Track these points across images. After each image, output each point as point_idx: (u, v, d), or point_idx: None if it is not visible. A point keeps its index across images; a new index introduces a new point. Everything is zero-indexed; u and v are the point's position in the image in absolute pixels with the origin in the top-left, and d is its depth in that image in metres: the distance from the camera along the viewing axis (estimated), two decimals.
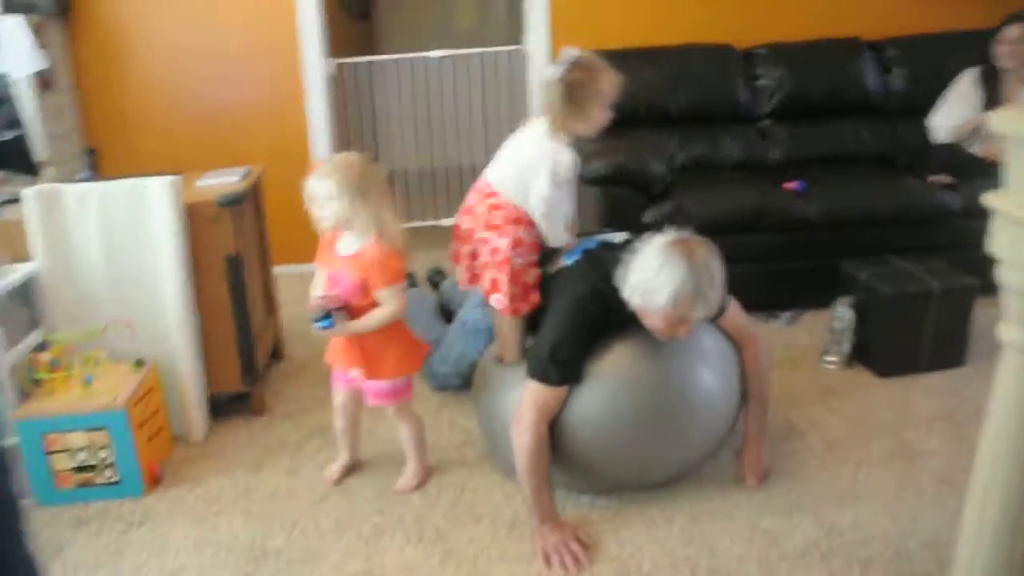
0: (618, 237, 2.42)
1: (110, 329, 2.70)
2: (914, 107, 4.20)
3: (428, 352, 3.10)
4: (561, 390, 2.23)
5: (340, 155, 2.25)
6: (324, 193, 2.18)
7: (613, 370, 2.26)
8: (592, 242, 2.41)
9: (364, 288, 2.25)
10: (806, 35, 4.36)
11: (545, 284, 2.37)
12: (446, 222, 5.01)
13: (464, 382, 3.00)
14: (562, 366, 2.21)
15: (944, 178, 3.64)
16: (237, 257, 2.86)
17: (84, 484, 2.51)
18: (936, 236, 3.54)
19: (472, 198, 2.38)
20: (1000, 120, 1.32)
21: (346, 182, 2.17)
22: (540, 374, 2.23)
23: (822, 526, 2.24)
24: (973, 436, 2.58)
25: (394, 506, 2.43)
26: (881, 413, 2.80)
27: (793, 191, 3.65)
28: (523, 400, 2.25)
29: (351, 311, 2.27)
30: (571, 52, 2.28)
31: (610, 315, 2.25)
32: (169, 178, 2.74)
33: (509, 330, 2.43)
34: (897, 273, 3.08)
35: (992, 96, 3.75)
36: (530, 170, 2.28)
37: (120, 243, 2.74)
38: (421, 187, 5.38)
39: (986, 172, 3.59)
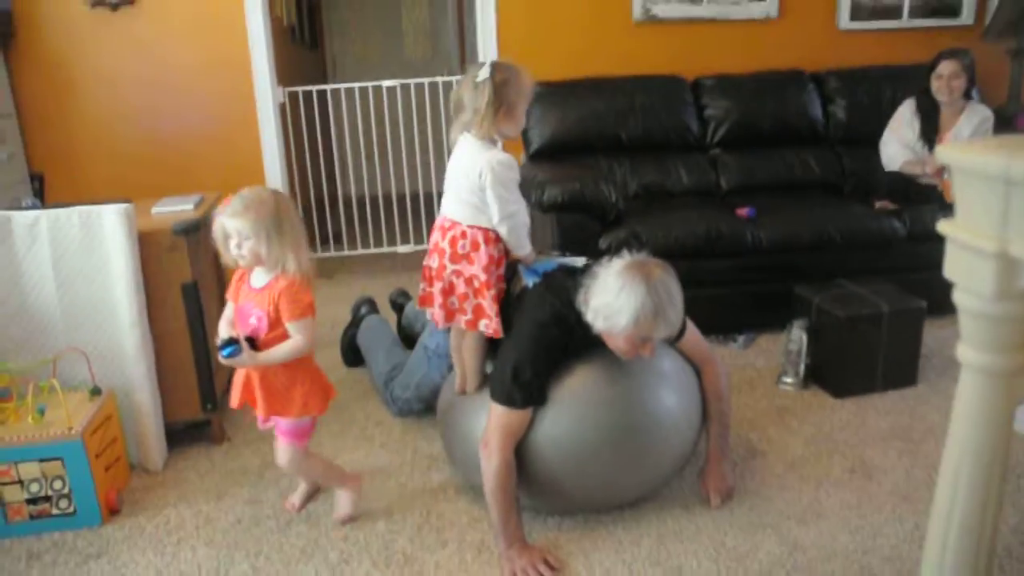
0: (579, 262, 2.44)
1: (63, 358, 2.64)
2: (856, 136, 4.38)
3: (392, 375, 3.10)
4: (525, 413, 2.24)
5: (250, 191, 2.19)
6: (239, 232, 2.14)
7: (577, 393, 2.28)
8: (552, 263, 2.43)
9: (273, 321, 2.20)
10: (749, 67, 4.49)
11: (506, 304, 2.37)
12: (403, 249, 5.02)
13: (425, 407, 2.99)
14: (525, 388, 2.22)
15: (889, 204, 3.77)
16: (194, 284, 2.81)
17: (38, 516, 2.43)
18: (883, 260, 3.65)
19: (435, 237, 2.37)
20: (946, 153, 1.38)
21: (261, 220, 2.12)
22: (504, 397, 2.24)
23: (786, 544, 2.28)
24: (928, 452, 2.68)
25: (359, 532, 2.41)
26: (838, 432, 2.86)
27: (744, 217, 3.73)
28: (488, 423, 2.26)
29: (260, 345, 2.20)
30: (484, 61, 2.31)
31: (572, 338, 2.27)
32: (123, 205, 2.69)
33: (470, 357, 2.44)
34: (849, 296, 3.16)
35: (929, 125, 3.90)
36: (475, 188, 2.26)
37: (72, 271, 2.68)
38: (377, 214, 5.37)
39: (929, 199, 3.73)
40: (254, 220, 2.12)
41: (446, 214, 2.35)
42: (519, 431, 2.24)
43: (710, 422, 2.52)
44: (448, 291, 2.34)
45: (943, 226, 1.41)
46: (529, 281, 2.37)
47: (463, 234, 2.30)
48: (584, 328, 2.23)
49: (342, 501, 2.47)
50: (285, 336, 2.21)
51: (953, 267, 1.41)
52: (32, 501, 2.42)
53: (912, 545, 2.24)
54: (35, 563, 2.32)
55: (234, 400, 2.33)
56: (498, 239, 2.32)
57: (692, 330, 2.50)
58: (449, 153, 2.39)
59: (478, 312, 2.32)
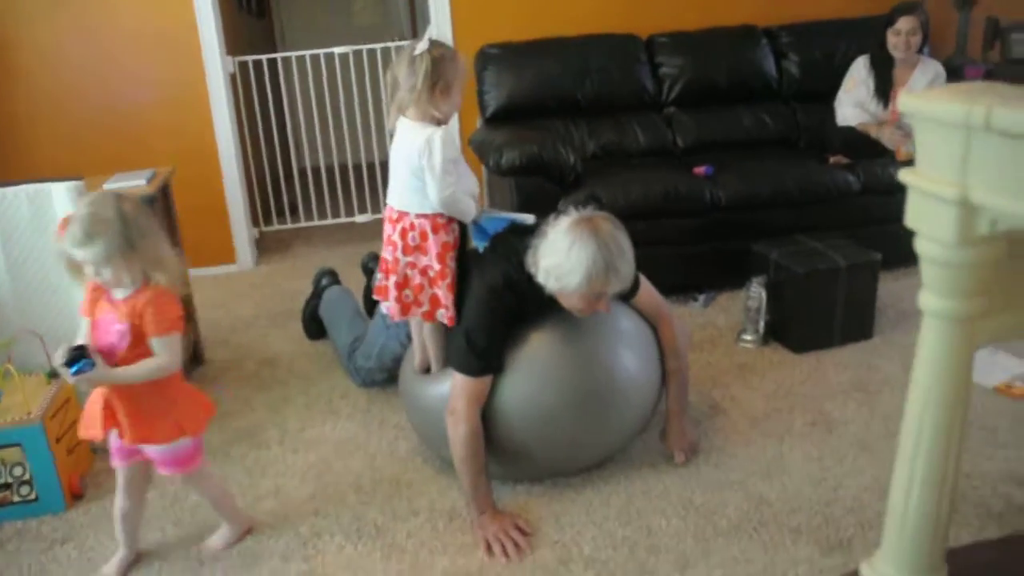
0: (528, 219, 2.41)
1: (17, 341, 2.58)
2: (809, 91, 4.39)
3: (355, 346, 3.08)
4: (486, 379, 2.25)
5: (86, 210, 1.87)
6: (93, 260, 1.86)
7: (536, 356, 2.28)
8: (501, 221, 2.39)
9: (136, 336, 1.93)
10: (702, 23, 4.47)
11: (460, 272, 2.36)
12: (360, 218, 4.97)
13: (389, 376, 2.98)
14: (480, 357, 2.22)
15: (843, 159, 3.81)
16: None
17: None
18: (838, 214, 3.68)
19: (386, 229, 2.34)
20: (907, 103, 1.39)
21: (110, 242, 1.84)
22: (462, 365, 2.24)
23: (752, 499, 2.32)
24: (886, 403, 2.74)
25: (329, 505, 2.41)
26: (798, 387, 2.91)
27: (702, 175, 3.74)
28: (452, 391, 2.26)
29: (120, 363, 1.94)
30: (428, 33, 2.26)
31: (525, 301, 2.26)
32: (73, 182, 2.63)
33: (432, 344, 2.44)
34: (806, 251, 3.20)
35: (884, 81, 3.93)
36: (417, 171, 2.22)
37: (23, 251, 2.63)
38: (333, 184, 5.32)
39: (881, 152, 3.77)
40: (103, 245, 1.84)
41: (391, 203, 2.32)
42: (482, 396, 2.25)
43: (668, 378, 2.53)
44: (402, 284, 2.32)
45: (904, 175, 1.43)
46: (479, 244, 2.35)
47: (411, 225, 2.27)
48: (537, 289, 2.21)
49: (222, 533, 2.26)
50: (148, 354, 1.95)
51: (915, 215, 1.43)
52: None
53: (872, 494, 2.30)
54: (0, 550, 2.30)
55: (93, 430, 2.01)
56: (448, 223, 2.29)
57: (646, 286, 2.50)
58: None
59: (434, 302, 2.31)
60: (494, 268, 2.27)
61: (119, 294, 1.95)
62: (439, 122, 2.25)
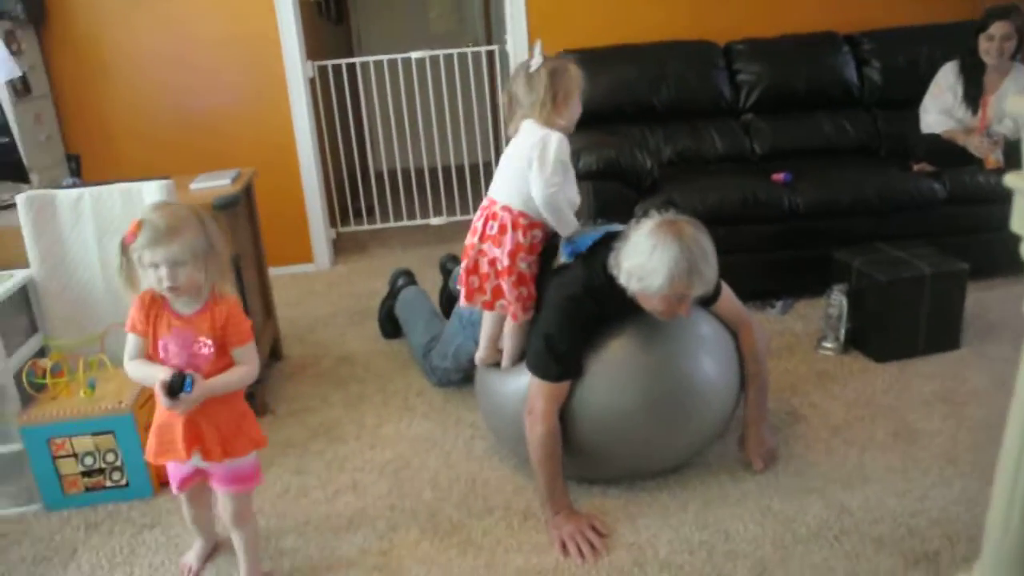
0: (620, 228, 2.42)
1: (110, 333, 2.68)
2: (891, 99, 4.30)
3: (431, 346, 3.12)
4: (564, 383, 2.25)
5: (161, 211, 1.85)
6: (171, 260, 1.80)
7: (616, 360, 2.28)
8: (594, 236, 2.40)
9: (219, 349, 1.91)
10: (781, 30, 4.42)
11: (542, 281, 2.38)
12: (435, 221, 5.02)
13: (465, 376, 3.00)
14: (559, 361, 2.23)
15: (927, 166, 3.72)
16: (235, 258, 2.84)
17: (92, 488, 2.49)
18: (922, 223, 3.59)
19: (476, 216, 2.39)
20: (1017, 104, 1.35)
21: (194, 241, 1.82)
22: (540, 370, 2.25)
23: (832, 507, 2.28)
24: (973, 415, 2.66)
25: (406, 501, 2.43)
26: (880, 397, 2.85)
27: (780, 182, 3.70)
28: (530, 392, 2.27)
29: (206, 377, 1.90)
30: (537, 48, 2.30)
31: (605, 308, 2.27)
32: (163, 181, 2.72)
33: (486, 329, 2.46)
34: (889, 259, 3.13)
35: (974, 87, 3.82)
36: (524, 166, 2.26)
37: (116, 248, 2.71)
38: (409, 187, 5.39)
39: (968, 160, 3.67)
40: (188, 242, 1.81)
41: (490, 193, 2.37)
42: (561, 398, 2.25)
43: (748, 385, 2.51)
44: (472, 270, 2.35)
45: (1010, 179, 1.39)
46: (565, 257, 2.36)
47: (495, 215, 2.30)
48: (619, 293, 2.21)
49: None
50: (229, 365, 1.93)
51: (1021, 220, 1.39)
52: (87, 474, 2.47)
53: (960, 507, 2.24)
54: (93, 533, 2.38)
55: (173, 453, 1.94)
56: (532, 226, 2.30)
57: (727, 293, 2.48)
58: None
59: (496, 293, 2.33)
60: (577, 275, 2.28)
61: (186, 308, 1.90)
62: (564, 130, 2.31)
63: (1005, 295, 2.81)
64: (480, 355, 2.53)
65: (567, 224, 2.32)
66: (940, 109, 3.89)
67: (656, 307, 2.20)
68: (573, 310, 2.25)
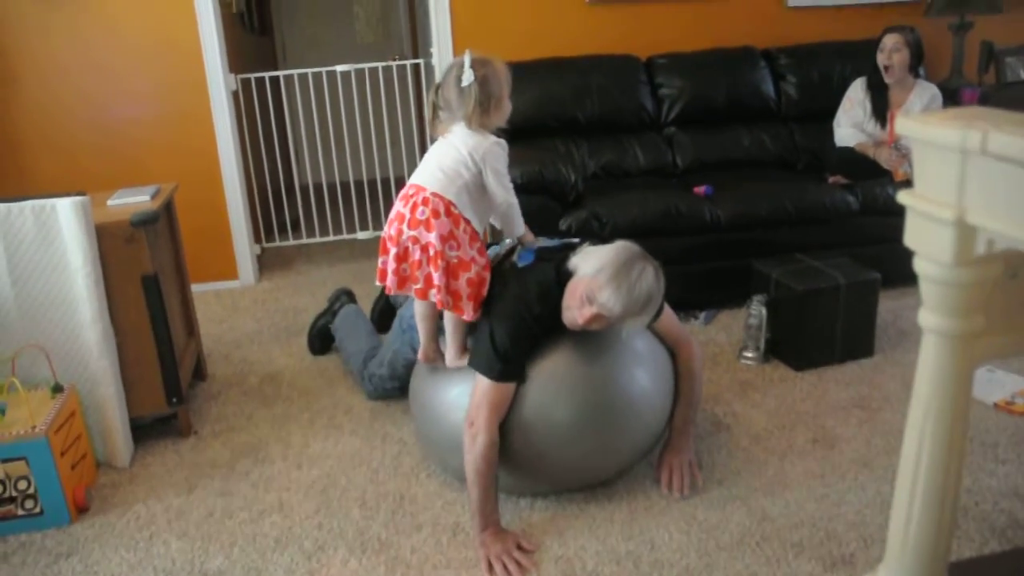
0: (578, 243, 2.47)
1: (22, 355, 2.60)
2: (807, 112, 4.43)
3: (371, 354, 3.11)
4: (509, 387, 2.26)
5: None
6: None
7: (554, 373, 2.30)
8: (556, 243, 2.51)
9: None
10: (701, 45, 4.52)
11: (493, 281, 2.38)
12: (362, 235, 4.99)
13: (400, 386, 2.98)
14: (505, 361, 2.24)
15: (842, 179, 3.84)
16: (154, 276, 2.78)
17: (3, 517, 2.40)
18: (837, 234, 3.72)
19: (397, 205, 2.36)
20: (905, 125, 1.42)
21: None
22: (484, 368, 2.26)
23: (754, 514, 2.33)
24: (887, 420, 2.75)
25: (333, 519, 2.41)
26: (799, 404, 2.93)
27: (702, 195, 3.78)
28: (472, 401, 2.27)
29: None
30: (463, 57, 2.31)
31: (556, 315, 2.30)
32: (78, 198, 2.64)
33: (421, 322, 2.46)
34: (806, 270, 3.22)
35: (880, 102, 3.97)
36: (461, 160, 2.30)
37: (28, 266, 2.63)
38: (335, 201, 5.34)
39: (880, 172, 3.80)
40: None
41: (414, 181, 2.34)
42: (503, 406, 2.26)
43: (679, 401, 2.55)
44: (402, 257, 2.31)
45: (903, 196, 1.46)
46: (521, 262, 2.40)
47: (425, 200, 2.27)
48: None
49: None
50: None
51: (913, 236, 1.46)
52: None
53: (874, 510, 2.31)
54: (3, 565, 2.29)
55: None
56: (461, 218, 2.30)
57: (668, 312, 2.54)
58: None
59: (428, 281, 2.30)
60: (530, 279, 2.33)
61: None
62: (499, 127, 2.38)
63: (915, 303, 2.88)
64: (421, 353, 2.52)
65: (519, 226, 2.45)
66: (852, 123, 4.03)
67: (571, 303, 2.25)
68: (524, 312, 2.28)
